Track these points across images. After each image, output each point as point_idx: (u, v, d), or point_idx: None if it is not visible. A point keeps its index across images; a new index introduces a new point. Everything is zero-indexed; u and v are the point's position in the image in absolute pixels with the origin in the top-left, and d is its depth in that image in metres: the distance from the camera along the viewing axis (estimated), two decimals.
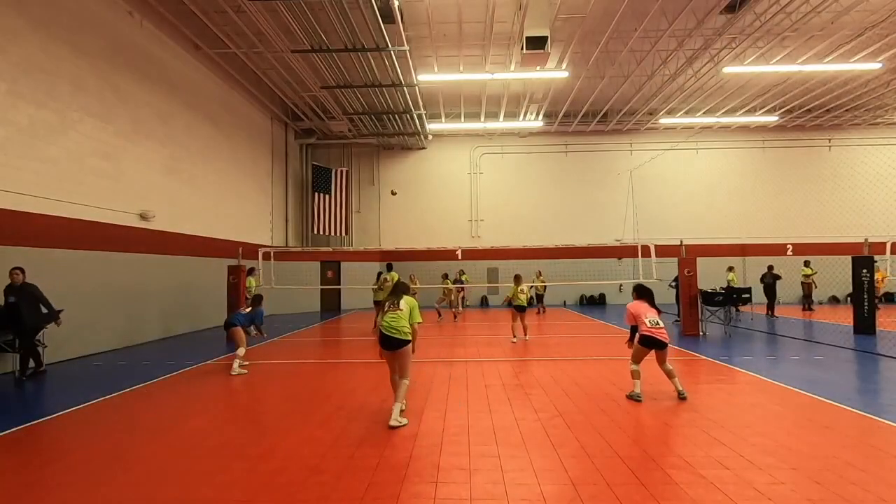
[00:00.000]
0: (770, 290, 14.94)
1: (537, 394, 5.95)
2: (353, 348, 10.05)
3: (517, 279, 10.41)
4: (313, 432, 4.60)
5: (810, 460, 3.76)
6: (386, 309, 4.99)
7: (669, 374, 5.64)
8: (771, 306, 14.87)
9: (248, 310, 8.03)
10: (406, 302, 5.01)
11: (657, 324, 5.57)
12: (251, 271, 12.41)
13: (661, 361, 5.65)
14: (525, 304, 10.25)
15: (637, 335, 5.68)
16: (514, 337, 10.34)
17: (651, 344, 5.55)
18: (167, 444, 4.37)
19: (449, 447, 4.17)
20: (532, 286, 15.04)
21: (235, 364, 7.48)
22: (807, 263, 16.56)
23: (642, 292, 5.85)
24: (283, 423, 4.93)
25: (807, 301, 16.70)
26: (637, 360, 5.70)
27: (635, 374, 5.68)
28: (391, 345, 4.87)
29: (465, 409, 5.31)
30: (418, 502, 3.19)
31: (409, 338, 4.90)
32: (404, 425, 4.75)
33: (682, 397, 5.53)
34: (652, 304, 5.76)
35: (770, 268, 15.28)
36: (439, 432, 4.56)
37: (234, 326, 7.70)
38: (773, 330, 11.80)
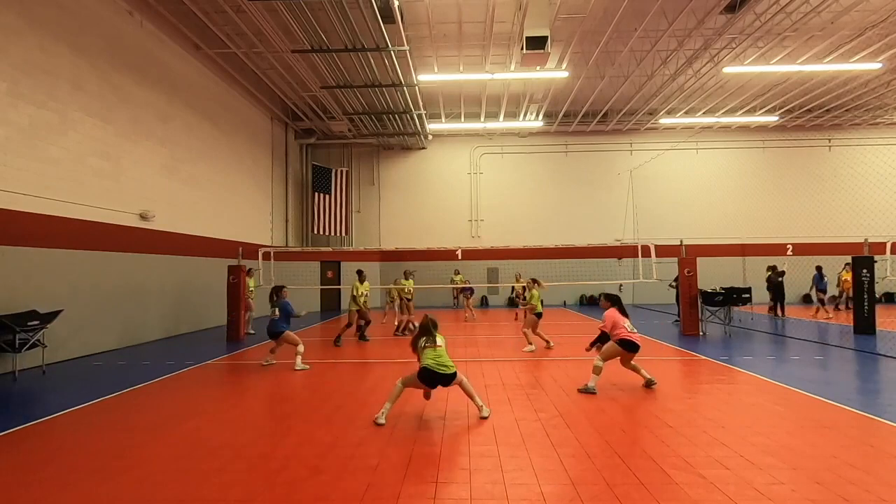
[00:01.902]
0: (778, 290, 14.78)
1: (537, 394, 5.96)
2: (353, 348, 10.05)
3: (536, 283, 9.51)
4: (313, 432, 4.60)
5: (810, 460, 3.76)
6: (424, 346, 5.04)
7: (635, 369, 6.14)
8: (781, 306, 14.71)
9: (277, 314, 8.03)
10: (441, 339, 5.12)
11: (633, 329, 6.04)
12: (249, 272, 12.41)
13: (627, 361, 6.11)
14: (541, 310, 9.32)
15: (615, 339, 6.00)
16: (532, 345, 9.25)
17: (631, 347, 5.93)
18: (167, 444, 4.37)
19: (449, 447, 4.17)
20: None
21: (298, 360, 7.77)
22: (848, 266, 16.18)
23: (615, 300, 6.26)
24: (282, 423, 4.93)
25: (845, 301, 16.21)
26: (608, 358, 6.06)
27: (598, 371, 6.01)
28: (444, 381, 4.92)
29: (465, 409, 5.31)
30: (418, 502, 3.18)
31: (455, 368, 4.97)
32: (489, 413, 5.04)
33: (651, 385, 6.07)
34: (623, 310, 6.20)
35: (774, 267, 15.19)
36: (439, 432, 4.56)
37: (283, 332, 7.83)
38: (773, 330, 11.80)
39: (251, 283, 12.33)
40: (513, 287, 15.89)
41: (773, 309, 14.94)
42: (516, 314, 15.83)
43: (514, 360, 8.34)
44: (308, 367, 7.82)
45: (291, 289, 15.65)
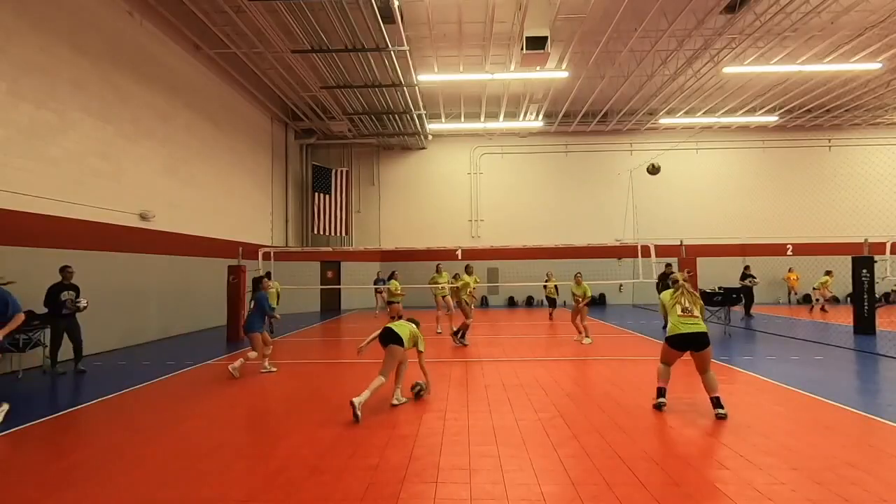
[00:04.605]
0: (748, 292, 14.92)
1: (537, 394, 5.96)
2: (353, 348, 10.03)
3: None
4: (313, 432, 4.60)
5: (810, 460, 3.76)
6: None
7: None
8: (747, 306, 14.83)
9: (253, 307, 7.57)
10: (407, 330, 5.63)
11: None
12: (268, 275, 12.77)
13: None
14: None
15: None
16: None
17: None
18: (167, 444, 4.37)
19: (449, 447, 4.17)
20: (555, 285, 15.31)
21: (265, 362, 7.53)
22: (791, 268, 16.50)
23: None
24: (283, 423, 4.93)
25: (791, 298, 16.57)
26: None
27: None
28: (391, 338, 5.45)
29: (466, 409, 5.31)
30: (418, 502, 3.19)
31: (403, 337, 5.46)
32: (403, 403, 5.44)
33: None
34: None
35: (746, 268, 15.36)
36: (439, 432, 4.56)
37: (256, 331, 7.38)
38: (773, 330, 11.79)
39: (277, 285, 12.61)
40: (545, 286, 15.81)
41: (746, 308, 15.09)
42: (550, 313, 15.68)
43: (514, 360, 8.34)
44: (275, 369, 7.49)
45: (291, 288, 15.78)
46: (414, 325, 5.78)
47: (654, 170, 5.41)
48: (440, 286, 12.01)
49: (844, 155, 20.93)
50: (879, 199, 19.50)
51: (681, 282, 5.26)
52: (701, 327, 4.94)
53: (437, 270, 12.96)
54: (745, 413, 5.02)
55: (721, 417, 4.76)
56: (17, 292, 7.66)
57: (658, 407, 5.15)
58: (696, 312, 5.01)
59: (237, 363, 7.23)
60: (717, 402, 4.87)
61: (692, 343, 4.91)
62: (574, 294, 10.33)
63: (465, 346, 9.42)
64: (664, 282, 13.05)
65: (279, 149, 18.84)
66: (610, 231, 20.45)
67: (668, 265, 12.71)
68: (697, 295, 5.20)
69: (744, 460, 3.78)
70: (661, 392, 5.21)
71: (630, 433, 4.45)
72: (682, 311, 5.01)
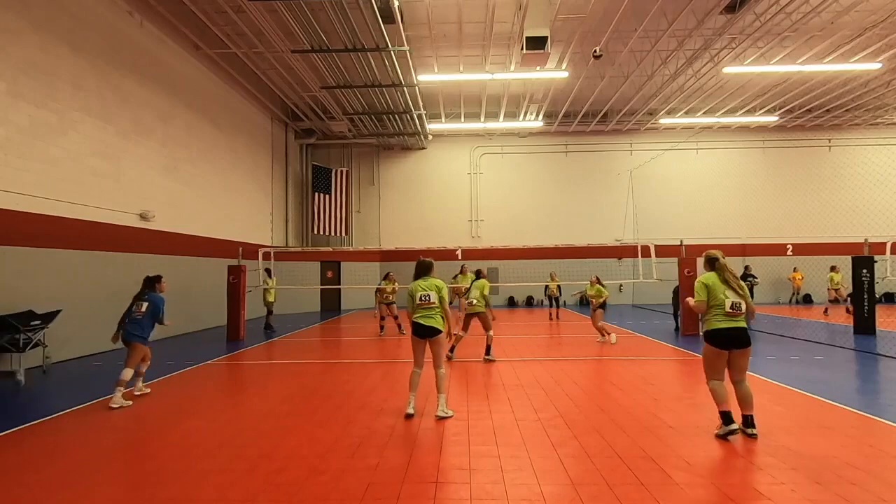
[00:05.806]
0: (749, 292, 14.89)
1: (537, 394, 5.95)
2: (353, 348, 10.05)
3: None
4: (313, 432, 4.60)
5: (810, 460, 3.76)
6: (418, 302, 5.14)
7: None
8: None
9: (143, 310, 6.08)
10: (435, 293, 5.11)
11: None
12: (267, 271, 12.87)
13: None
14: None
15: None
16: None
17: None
18: (167, 444, 4.37)
19: (449, 447, 4.16)
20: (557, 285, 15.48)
21: (118, 394, 5.64)
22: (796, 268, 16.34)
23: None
24: (283, 423, 4.93)
25: (795, 299, 16.54)
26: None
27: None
28: (427, 333, 5.08)
29: (465, 409, 5.31)
30: (418, 502, 3.18)
31: (437, 325, 5.07)
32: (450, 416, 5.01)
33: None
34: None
35: (747, 268, 15.38)
36: (439, 432, 4.56)
37: (143, 339, 6.09)
38: (773, 330, 11.79)
39: (271, 282, 12.88)
40: (546, 286, 15.86)
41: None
42: (550, 313, 15.77)
43: (513, 360, 8.34)
44: (129, 403, 5.67)
45: (291, 288, 15.76)
46: (435, 283, 5.17)
47: (597, 55, 5.54)
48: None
49: (844, 155, 20.93)
50: (879, 199, 19.50)
51: (721, 261, 4.44)
52: (744, 323, 4.33)
53: (462, 272, 12.95)
54: None
55: (752, 437, 4.19)
56: (18, 292, 7.69)
57: (726, 435, 4.21)
58: (744, 308, 4.30)
59: (121, 392, 5.71)
60: (749, 421, 4.24)
61: (735, 340, 4.24)
62: (589, 295, 10.30)
63: (493, 361, 8.11)
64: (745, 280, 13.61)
65: (279, 149, 18.84)
66: (610, 231, 20.45)
67: (747, 266, 14.03)
68: (741, 282, 4.40)
69: (744, 460, 3.78)
70: (727, 418, 4.23)
71: (630, 433, 4.45)
72: (732, 306, 4.24)
